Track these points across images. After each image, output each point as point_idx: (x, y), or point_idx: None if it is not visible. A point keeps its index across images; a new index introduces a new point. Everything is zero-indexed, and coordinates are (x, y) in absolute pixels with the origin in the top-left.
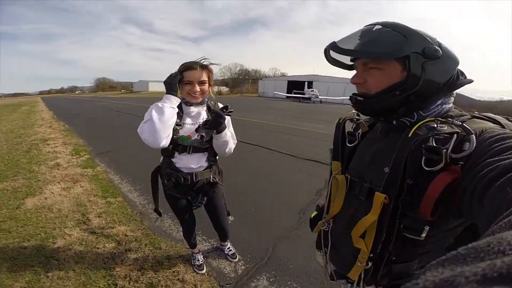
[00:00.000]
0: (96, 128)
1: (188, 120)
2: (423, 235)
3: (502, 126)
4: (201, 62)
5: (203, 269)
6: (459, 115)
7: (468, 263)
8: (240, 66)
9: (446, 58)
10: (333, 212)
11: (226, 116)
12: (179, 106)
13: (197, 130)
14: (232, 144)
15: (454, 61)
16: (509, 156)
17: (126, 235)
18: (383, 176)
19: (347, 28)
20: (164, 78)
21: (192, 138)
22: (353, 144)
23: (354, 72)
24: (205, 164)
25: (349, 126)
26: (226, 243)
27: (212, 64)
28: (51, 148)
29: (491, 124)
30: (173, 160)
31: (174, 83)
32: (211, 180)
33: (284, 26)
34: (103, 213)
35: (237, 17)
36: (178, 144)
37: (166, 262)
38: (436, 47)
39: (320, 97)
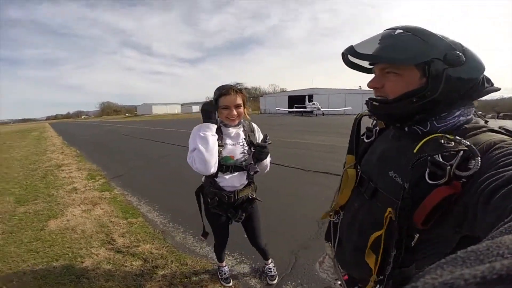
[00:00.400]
0: (107, 153)
1: (228, 141)
2: (413, 242)
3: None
4: (235, 87)
5: (229, 282)
6: (475, 127)
7: (467, 266)
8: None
9: (470, 64)
10: (338, 203)
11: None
12: (218, 128)
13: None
14: (269, 164)
15: (478, 67)
16: None
17: (151, 253)
18: (388, 179)
19: (340, 40)
20: (167, 100)
21: (235, 159)
22: (370, 140)
23: (371, 75)
24: (245, 182)
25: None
26: (268, 261)
27: (245, 88)
28: (67, 174)
29: (502, 137)
30: (216, 179)
31: (213, 112)
32: (250, 197)
33: (279, 43)
34: (126, 233)
35: (231, 37)
36: (222, 165)
37: (194, 277)
38: (459, 53)
39: (322, 109)
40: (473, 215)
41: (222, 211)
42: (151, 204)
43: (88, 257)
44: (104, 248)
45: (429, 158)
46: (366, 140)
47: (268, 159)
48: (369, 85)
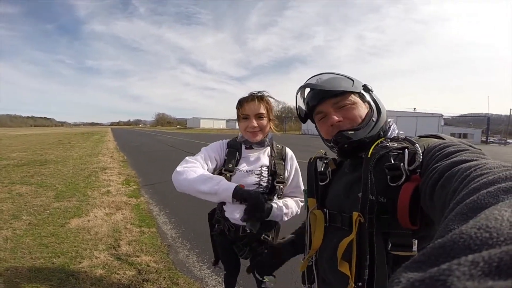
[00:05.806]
0: (149, 161)
1: (243, 167)
2: (415, 248)
3: (444, 139)
4: (257, 93)
5: None
6: (409, 137)
7: (440, 263)
8: (283, 104)
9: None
10: (316, 245)
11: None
12: (239, 148)
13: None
14: (295, 209)
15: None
16: (448, 159)
17: (148, 265)
18: (359, 201)
19: (389, 59)
20: (214, 116)
21: (245, 188)
22: (324, 183)
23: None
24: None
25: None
26: None
27: (272, 98)
28: (107, 176)
29: (435, 140)
30: (224, 207)
31: (257, 208)
32: (262, 238)
33: (324, 63)
34: (133, 241)
35: (277, 56)
36: None
37: None
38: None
39: None
40: (424, 201)
41: (226, 242)
42: (169, 216)
43: (88, 258)
44: (107, 252)
45: (385, 165)
46: (321, 183)
47: (291, 210)
48: (332, 122)
